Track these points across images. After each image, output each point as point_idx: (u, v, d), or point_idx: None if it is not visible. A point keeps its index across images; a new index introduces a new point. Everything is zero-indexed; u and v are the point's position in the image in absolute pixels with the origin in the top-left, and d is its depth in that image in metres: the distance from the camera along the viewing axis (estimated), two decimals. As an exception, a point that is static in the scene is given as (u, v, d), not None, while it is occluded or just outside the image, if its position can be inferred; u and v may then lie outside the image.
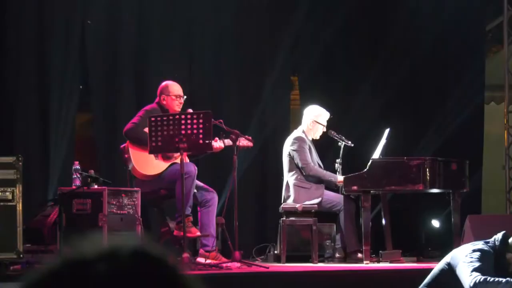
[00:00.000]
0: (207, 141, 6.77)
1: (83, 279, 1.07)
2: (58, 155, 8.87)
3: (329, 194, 8.11)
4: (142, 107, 7.76)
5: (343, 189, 7.92)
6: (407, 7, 9.81)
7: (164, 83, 7.69)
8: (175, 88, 7.62)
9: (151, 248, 1.12)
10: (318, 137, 8.29)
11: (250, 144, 7.61)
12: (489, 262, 4.96)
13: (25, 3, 9.10)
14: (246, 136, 7.59)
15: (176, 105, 7.53)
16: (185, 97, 7.63)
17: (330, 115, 8.29)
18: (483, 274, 4.81)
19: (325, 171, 8.14)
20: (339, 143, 8.23)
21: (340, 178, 7.97)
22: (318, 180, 8.09)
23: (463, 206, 7.95)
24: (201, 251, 7.33)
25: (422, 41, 9.78)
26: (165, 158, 7.41)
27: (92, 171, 7.05)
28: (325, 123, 8.27)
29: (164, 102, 7.54)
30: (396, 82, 9.64)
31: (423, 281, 5.26)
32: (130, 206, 7.15)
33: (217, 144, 7.43)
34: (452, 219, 7.91)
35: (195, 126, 6.72)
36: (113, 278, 1.08)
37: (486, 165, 9.84)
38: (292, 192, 8.07)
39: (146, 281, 1.09)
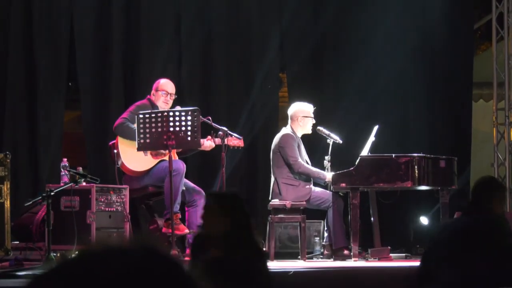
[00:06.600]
0: (195, 138, 6.76)
1: (94, 276, 1.08)
2: (46, 152, 8.84)
3: (318, 191, 8.11)
4: (131, 104, 7.74)
5: (331, 186, 7.93)
6: (396, 4, 9.80)
7: (159, 80, 7.68)
8: (166, 85, 7.61)
9: (158, 246, 1.13)
10: (310, 131, 8.26)
11: (241, 143, 7.60)
12: None
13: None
14: (237, 136, 7.58)
15: (162, 101, 7.50)
16: (175, 96, 7.61)
17: (314, 106, 8.28)
18: None
19: (313, 168, 8.13)
20: (328, 140, 8.23)
21: (328, 175, 7.97)
22: (307, 177, 8.08)
23: (451, 204, 7.97)
24: (188, 251, 7.30)
25: (411, 38, 9.78)
26: (155, 154, 7.39)
27: (80, 168, 7.02)
28: (312, 115, 8.26)
29: (153, 98, 7.54)
30: (384, 79, 9.64)
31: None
32: (118, 203, 7.14)
33: (208, 142, 7.42)
34: (441, 216, 7.93)
35: (183, 123, 6.70)
36: (124, 275, 1.09)
37: (475, 162, 9.85)
38: (281, 189, 8.06)
39: (156, 279, 1.10)
